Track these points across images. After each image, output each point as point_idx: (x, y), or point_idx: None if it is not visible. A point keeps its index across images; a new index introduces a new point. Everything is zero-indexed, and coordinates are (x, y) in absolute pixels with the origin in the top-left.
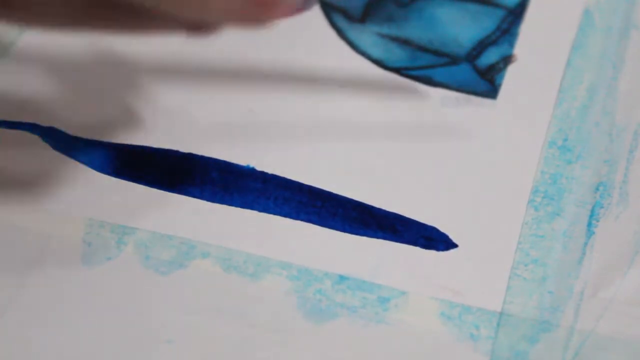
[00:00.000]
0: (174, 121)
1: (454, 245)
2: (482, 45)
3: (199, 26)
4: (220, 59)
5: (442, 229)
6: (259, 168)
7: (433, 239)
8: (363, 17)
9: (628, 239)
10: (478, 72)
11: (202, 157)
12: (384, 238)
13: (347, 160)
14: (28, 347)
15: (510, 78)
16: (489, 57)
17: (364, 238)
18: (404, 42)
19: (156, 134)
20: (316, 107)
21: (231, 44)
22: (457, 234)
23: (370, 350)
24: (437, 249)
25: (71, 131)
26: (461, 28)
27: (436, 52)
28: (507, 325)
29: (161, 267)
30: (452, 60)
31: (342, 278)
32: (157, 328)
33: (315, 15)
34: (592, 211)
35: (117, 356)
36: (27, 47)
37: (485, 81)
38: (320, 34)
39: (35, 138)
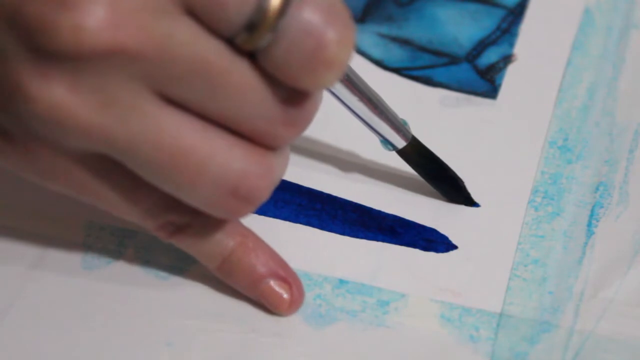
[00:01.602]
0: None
1: (454, 247)
2: (482, 45)
3: None
4: None
5: (442, 231)
6: None
7: (433, 241)
8: (363, 17)
9: (628, 239)
10: (478, 72)
11: None
12: (384, 240)
13: (346, 162)
14: (28, 351)
15: (510, 78)
16: (489, 57)
17: (363, 241)
18: (404, 42)
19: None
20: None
21: None
22: (457, 235)
23: (371, 353)
24: (437, 250)
25: None
26: (461, 28)
27: (436, 52)
28: (507, 326)
29: (161, 272)
30: (452, 60)
31: (341, 282)
32: (157, 332)
33: None
34: (592, 211)
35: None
36: None
37: (485, 81)
38: None
39: None
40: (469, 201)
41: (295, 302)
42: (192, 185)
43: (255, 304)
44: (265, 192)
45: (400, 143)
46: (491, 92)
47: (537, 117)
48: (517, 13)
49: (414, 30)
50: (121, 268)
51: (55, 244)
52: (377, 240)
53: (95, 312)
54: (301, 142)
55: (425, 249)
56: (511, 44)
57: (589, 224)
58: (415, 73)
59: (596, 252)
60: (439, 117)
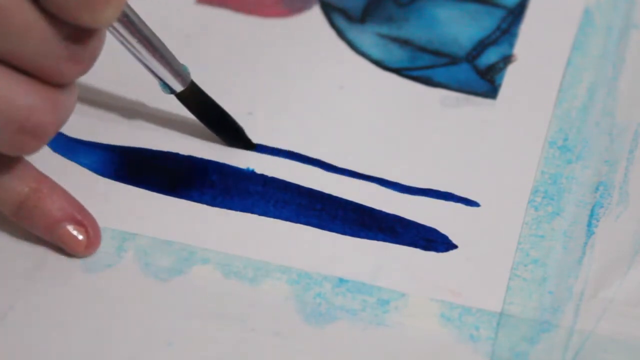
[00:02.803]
0: (174, 123)
1: (454, 246)
2: (482, 45)
3: None
4: (220, 59)
5: (442, 230)
6: (258, 171)
7: (433, 240)
8: (363, 17)
9: (628, 239)
10: (478, 72)
11: (201, 160)
12: (384, 240)
13: (346, 162)
14: (28, 353)
15: (510, 78)
16: (489, 57)
17: (363, 240)
18: (404, 42)
19: (156, 136)
20: (316, 108)
21: (231, 44)
22: (457, 234)
23: (371, 353)
24: (437, 250)
25: (71, 132)
26: (461, 28)
27: (436, 52)
28: (507, 326)
29: (161, 274)
30: (452, 60)
31: (341, 281)
32: (157, 334)
33: (315, 15)
34: (592, 211)
35: None
36: None
37: (485, 81)
38: (320, 34)
39: None
40: (248, 145)
41: (92, 244)
42: None
43: (255, 304)
44: (52, 127)
45: (179, 87)
46: (491, 92)
47: (537, 117)
48: (517, 13)
49: (414, 31)
50: (121, 270)
51: (56, 247)
52: (377, 239)
53: (95, 314)
54: (302, 141)
55: (426, 248)
56: (511, 44)
57: (589, 224)
58: (415, 73)
59: (596, 252)
60: (439, 117)
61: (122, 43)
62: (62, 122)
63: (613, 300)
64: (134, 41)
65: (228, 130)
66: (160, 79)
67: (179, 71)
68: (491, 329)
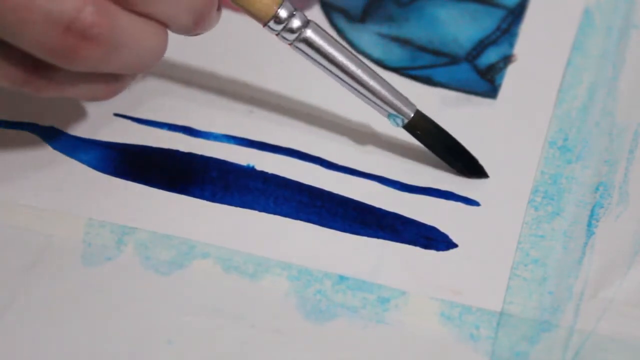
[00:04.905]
0: (174, 120)
1: (454, 245)
2: (482, 45)
3: None
4: (220, 58)
5: (442, 229)
6: (258, 168)
7: (433, 239)
8: (363, 17)
9: (628, 239)
10: (478, 72)
11: (202, 157)
12: (384, 238)
13: (346, 161)
14: (28, 348)
15: (510, 78)
16: (489, 57)
17: (364, 238)
18: (404, 42)
19: (156, 133)
20: (316, 106)
21: (231, 43)
22: (457, 233)
23: (370, 350)
24: (437, 248)
25: (71, 131)
26: (461, 28)
27: (436, 52)
28: (507, 325)
29: (161, 268)
30: (452, 60)
31: (342, 278)
32: (157, 328)
33: (315, 15)
34: (592, 211)
35: (117, 357)
36: None
37: (485, 81)
38: None
39: (35, 138)
40: (481, 174)
41: None
42: (21, 23)
43: (255, 300)
44: (104, 29)
45: (409, 113)
46: (491, 92)
47: (537, 117)
48: (517, 13)
49: (414, 30)
50: (121, 265)
51: (55, 241)
52: (378, 237)
53: (95, 309)
54: (303, 140)
55: (426, 246)
56: (511, 44)
57: (589, 224)
58: (415, 73)
59: (596, 252)
60: (439, 117)
61: (348, 82)
62: (113, 29)
63: (613, 300)
64: (363, 75)
65: (460, 159)
66: (392, 107)
67: (403, 96)
68: (491, 329)
